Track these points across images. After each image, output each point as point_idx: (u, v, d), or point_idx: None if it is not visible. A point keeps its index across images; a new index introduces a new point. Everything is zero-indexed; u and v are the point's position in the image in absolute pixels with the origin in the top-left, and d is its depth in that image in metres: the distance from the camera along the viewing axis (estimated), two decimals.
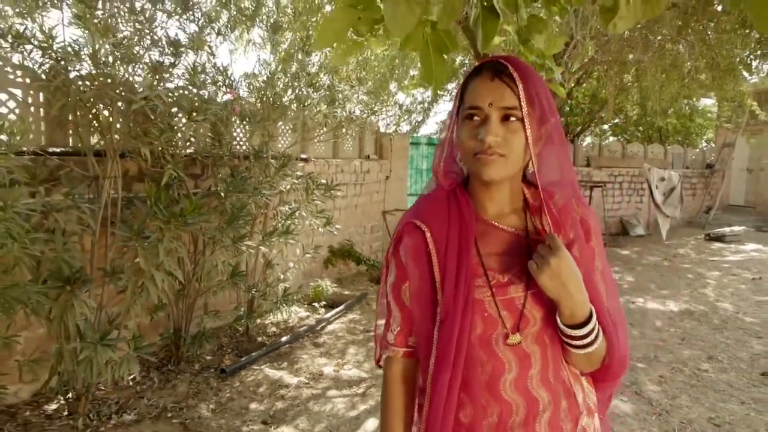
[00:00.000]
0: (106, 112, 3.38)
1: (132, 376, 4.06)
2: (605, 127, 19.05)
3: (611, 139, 19.05)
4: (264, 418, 3.64)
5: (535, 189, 1.24)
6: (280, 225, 4.75)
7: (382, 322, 1.37)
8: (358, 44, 1.49)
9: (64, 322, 3.24)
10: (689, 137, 18.89)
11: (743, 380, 4.46)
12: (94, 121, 3.59)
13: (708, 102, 17.18)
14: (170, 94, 3.34)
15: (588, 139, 16.94)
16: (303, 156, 6.49)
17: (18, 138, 2.78)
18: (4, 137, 2.75)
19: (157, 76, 3.47)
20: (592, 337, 1.14)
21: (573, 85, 9.77)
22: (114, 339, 3.23)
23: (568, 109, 14.54)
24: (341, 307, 6.06)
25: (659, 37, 6.65)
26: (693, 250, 11.22)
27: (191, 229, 3.46)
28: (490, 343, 1.18)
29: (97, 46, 3.47)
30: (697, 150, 16.85)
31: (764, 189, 15.55)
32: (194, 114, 3.41)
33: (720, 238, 12.29)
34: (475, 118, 1.15)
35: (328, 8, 6.32)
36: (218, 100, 4.20)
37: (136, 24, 3.52)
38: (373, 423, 3.64)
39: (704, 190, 15.83)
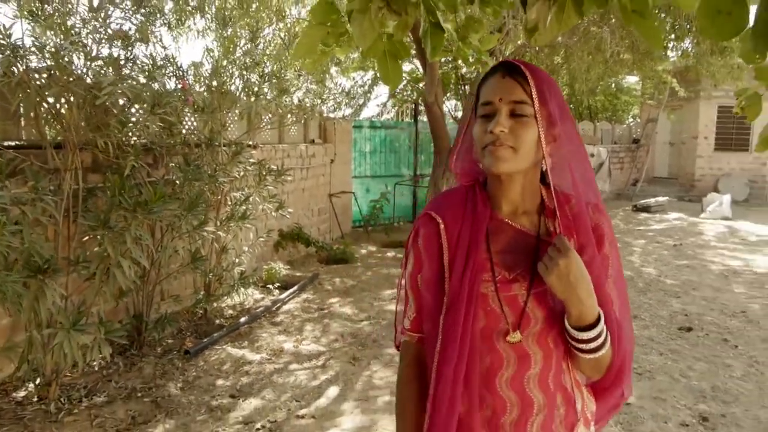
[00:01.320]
0: (66, 106, 3.48)
1: (97, 361, 4.20)
2: None
3: None
4: (231, 393, 3.88)
5: (554, 191, 1.25)
6: (236, 211, 4.93)
7: (401, 308, 1.41)
8: (326, 53, 1.75)
9: (34, 310, 3.38)
10: (616, 114, 19.85)
11: (663, 335, 5.00)
12: (52, 115, 3.68)
13: (632, 80, 18.06)
14: (132, 89, 3.47)
15: None
16: (250, 143, 6.64)
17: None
18: None
19: (115, 70, 3.59)
20: (600, 341, 1.16)
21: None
22: (85, 324, 3.39)
23: None
24: (295, 288, 6.30)
25: (584, 23, 7.13)
26: (621, 220, 11.96)
27: (155, 217, 3.63)
28: (491, 338, 1.21)
29: (51, 42, 3.57)
30: (624, 126, 17.78)
31: (685, 162, 16.59)
32: (156, 107, 3.56)
33: (646, 209, 13.14)
34: (488, 113, 1.20)
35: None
36: (171, 90, 4.32)
37: (92, 19, 3.62)
38: (334, 390, 3.93)
39: (631, 163, 16.77)
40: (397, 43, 1.69)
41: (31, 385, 3.82)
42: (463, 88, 10.47)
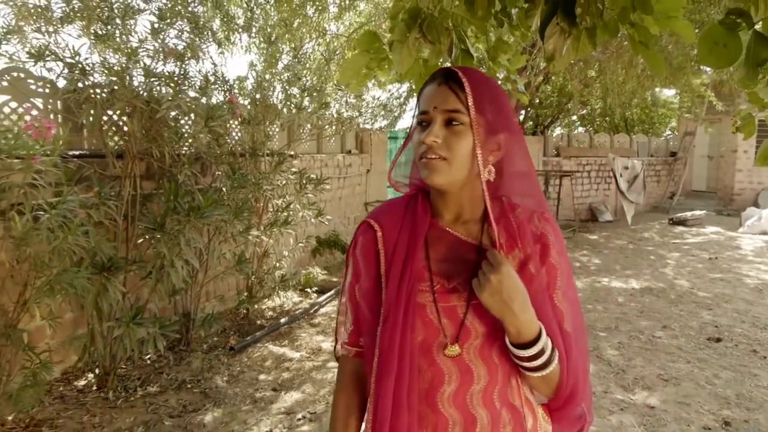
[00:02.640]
0: (127, 119, 3.81)
1: (149, 355, 4.52)
2: (574, 118, 19.76)
3: (580, 129, 19.78)
4: (273, 386, 4.14)
5: (497, 199, 1.23)
6: (278, 217, 5.22)
7: (341, 320, 1.35)
8: (369, 75, 1.99)
9: (97, 305, 3.70)
10: (653, 126, 19.70)
11: (691, 344, 5.09)
12: (115, 127, 4.03)
13: (670, 93, 17.94)
14: (188, 104, 3.79)
15: (558, 130, 17.65)
16: (291, 153, 6.96)
17: (61, 144, 3.22)
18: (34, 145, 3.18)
19: (176, 87, 3.92)
20: (545, 357, 1.11)
21: (541, 79, 10.36)
22: (144, 319, 3.69)
23: (537, 101, 15.17)
24: (332, 292, 6.56)
25: (617, 38, 7.25)
26: (657, 233, 11.92)
27: (206, 222, 3.93)
28: (431, 351, 1.15)
29: (115, 60, 3.93)
30: (661, 139, 17.65)
31: (724, 175, 16.39)
32: (209, 120, 3.87)
33: (682, 222, 13.04)
34: (423, 123, 1.16)
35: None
36: (220, 104, 4.64)
37: (150, 39, 3.96)
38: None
39: (668, 176, 16.63)
40: (431, 68, 1.92)
41: (91, 375, 4.15)
42: None
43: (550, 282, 1.18)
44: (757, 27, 1.47)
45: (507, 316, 1.09)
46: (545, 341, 1.11)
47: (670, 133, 20.39)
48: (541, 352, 1.10)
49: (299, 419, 3.65)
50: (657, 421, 3.63)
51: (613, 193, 13.89)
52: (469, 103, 1.12)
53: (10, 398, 3.18)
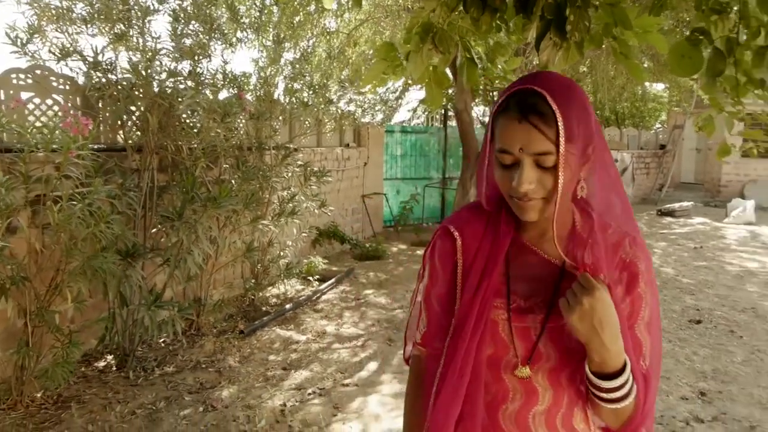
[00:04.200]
0: (149, 115, 4.06)
1: (163, 339, 4.78)
2: None
3: None
4: (283, 366, 4.42)
5: (588, 216, 1.16)
6: (284, 208, 5.49)
7: (414, 320, 1.34)
8: (385, 79, 2.26)
9: (119, 289, 3.96)
10: (643, 120, 20.06)
11: (673, 326, 5.41)
12: (133, 122, 4.28)
13: (660, 87, 18.28)
14: (206, 101, 4.05)
15: None
16: (293, 147, 7.21)
17: (90, 139, 3.47)
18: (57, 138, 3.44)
19: (196, 85, 4.17)
20: (624, 391, 1.04)
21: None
22: (163, 302, 3.96)
23: None
24: (333, 280, 6.84)
25: None
26: (645, 224, 12.25)
27: (222, 211, 4.19)
28: (499, 368, 1.14)
29: (135, 59, 4.17)
30: (651, 132, 18.01)
31: (711, 167, 16.77)
32: (225, 116, 4.13)
33: (670, 213, 13.40)
34: (508, 162, 1.07)
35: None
36: (232, 100, 4.89)
37: (170, 39, 4.21)
38: (373, 365, 4.45)
39: (657, 169, 17.00)
40: (440, 74, 2.20)
41: (110, 356, 4.41)
42: (491, 95, 10.93)
43: (634, 312, 1.12)
44: (716, 44, 1.75)
45: (594, 343, 1.02)
46: (628, 375, 1.05)
47: (659, 126, 20.76)
48: (623, 385, 1.04)
49: (309, 394, 3.93)
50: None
51: None
52: (561, 140, 1.01)
53: (45, 373, 3.44)
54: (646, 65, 8.89)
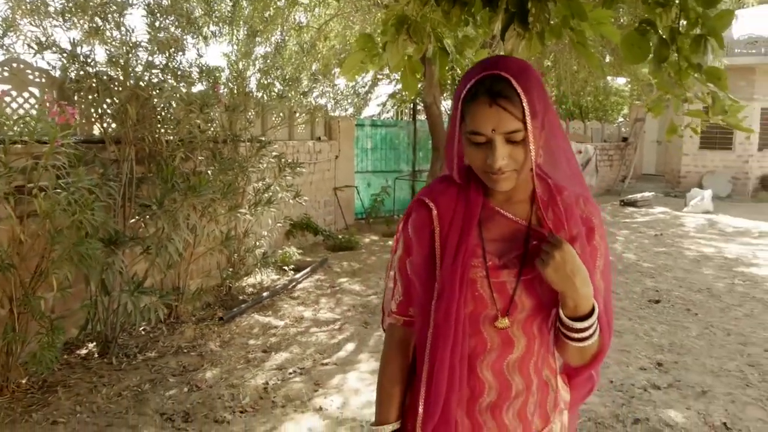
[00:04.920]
0: (128, 107, 4.15)
1: (144, 327, 4.88)
2: None
3: None
4: (263, 349, 4.57)
5: (546, 182, 1.31)
6: (260, 198, 5.62)
7: (389, 291, 1.44)
8: (363, 68, 2.43)
9: (102, 276, 4.05)
10: (606, 114, 20.59)
11: (634, 306, 5.72)
12: (115, 114, 4.37)
13: (622, 81, 18.79)
14: (187, 93, 4.16)
15: None
16: (265, 139, 7.33)
17: (78, 132, 3.57)
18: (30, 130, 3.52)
19: (176, 77, 4.28)
20: (592, 330, 1.20)
21: None
22: (146, 289, 4.07)
23: None
24: (308, 269, 6.99)
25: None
26: (609, 214, 12.65)
27: (201, 200, 4.31)
28: (477, 322, 1.24)
29: (112, 52, 4.26)
30: (614, 125, 18.53)
31: (671, 159, 17.35)
32: (204, 107, 4.25)
33: (632, 203, 13.85)
34: (480, 142, 1.18)
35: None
36: (209, 93, 5.00)
37: (146, 33, 4.31)
38: (351, 346, 4.63)
39: (620, 161, 17.50)
40: (414, 62, 2.38)
41: (92, 344, 4.50)
42: None
43: (591, 261, 1.26)
44: (661, 33, 1.96)
45: (568, 290, 1.17)
46: (597, 315, 1.21)
47: (622, 119, 21.34)
48: (592, 325, 1.20)
49: (290, 373, 4.09)
50: (601, 365, 4.19)
51: None
52: (527, 117, 1.14)
53: (33, 357, 3.52)
54: (607, 59, 9.22)
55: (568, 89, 11.23)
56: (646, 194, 14.20)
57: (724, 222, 11.47)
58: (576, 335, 1.21)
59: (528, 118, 1.13)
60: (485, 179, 1.22)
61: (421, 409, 1.26)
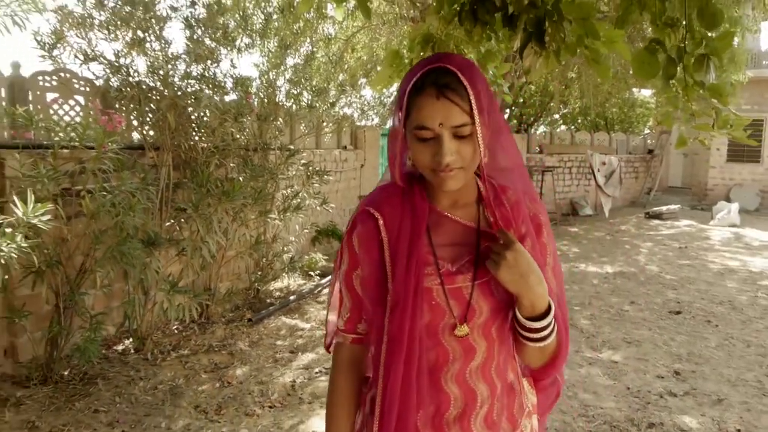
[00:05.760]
0: (168, 115, 4.39)
1: (176, 326, 5.10)
2: (556, 117, 20.52)
3: (562, 128, 20.56)
4: (290, 349, 4.75)
5: (490, 182, 1.26)
6: (289, 204, 5.83)
7: (333, 309, 1.38)
8: (391, 81, 2.61)
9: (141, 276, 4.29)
10: (632, 125, 20.52)
11: (654, 316, 5.78)
12: (157, 123, 4.62)
13: (647, 93, 18.75)
14: (223, 103, 4.39)
15: (542, 128, 18.41)
16: (293, 147, 7.56)
17: (119, 139, 3.81)
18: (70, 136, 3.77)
19: (213, 88, 4.52)
20: (549, 329, 1.17)
21: (523, 80, 11.07)
22: (182, 288, 4.29)
23: (521, 101, 15.89)
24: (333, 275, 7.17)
25: None
26: (633, 226, 12.66)
27: (234, 204, 4.53)
28: (437, 333, 1.19)
29: (155, 64, 4.52)
30: (639, 137, 18.47)
31: (698, 171, 17.24)
32: (239, 117, 4.48)
33: (658, 216, 13.81)
34: (426, 134, 1.13)
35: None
36: (242, 103, 5.23)
37: (185, 46, 4.56)
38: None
39: (645, 173, 17.44)
40: None
41: (129, 340, 4.73)
42: None
43: (541, 259, 1.25)
44: (669, 52, 2.11)
45: (523, 289, 1.13)
46: (553, 313, 1.18)
47: (647, 131, 21.23)
48: (549, 324, 1.17)
49: (317, 372, 4.27)
50: (619, 372, 4.30)
51: (593, 188, 14.63)
52: (474, 111, 1.12)
53: (78, 349, 3.75)
54: (630, 72, 9.31)
55: (591, 100, 11.29)
56: (672, 207, 14.15)
57: (751, 235, 11.40)
58: (534, 335, 1.18)
59: (475, 112, 1.12)
60: (432, 178, 1.18)
61: (377, 428, 1.19)
